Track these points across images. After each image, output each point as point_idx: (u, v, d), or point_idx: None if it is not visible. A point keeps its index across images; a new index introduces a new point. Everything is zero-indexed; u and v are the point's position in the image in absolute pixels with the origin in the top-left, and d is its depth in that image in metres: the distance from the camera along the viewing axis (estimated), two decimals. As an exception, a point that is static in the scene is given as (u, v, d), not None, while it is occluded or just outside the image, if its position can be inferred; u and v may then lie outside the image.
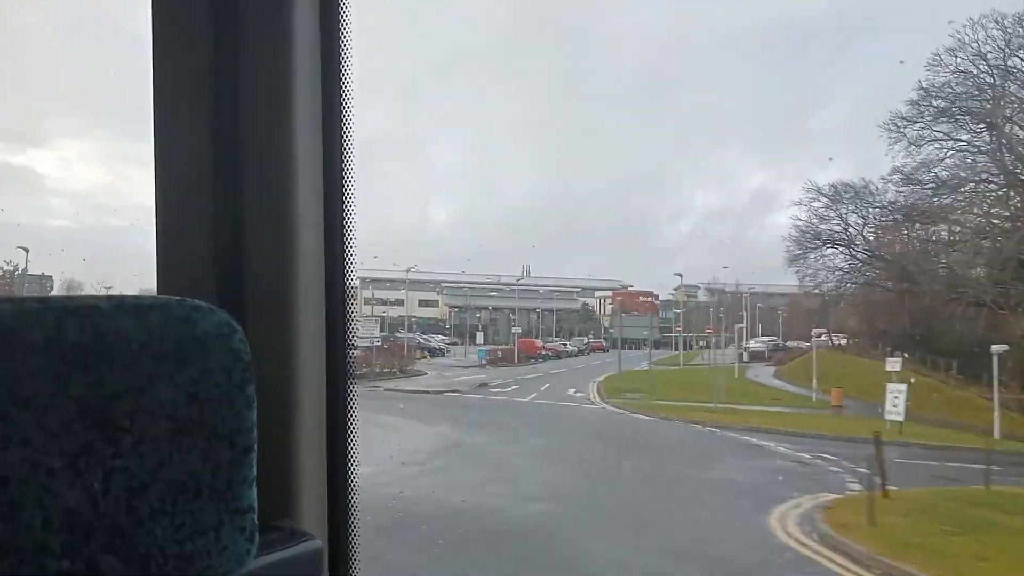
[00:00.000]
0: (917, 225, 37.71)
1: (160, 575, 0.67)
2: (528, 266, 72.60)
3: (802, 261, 39.86)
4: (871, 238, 38.98)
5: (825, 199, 39.19)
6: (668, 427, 23.94)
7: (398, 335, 45.38)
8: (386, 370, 34.60)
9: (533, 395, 30.96)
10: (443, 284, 64.09)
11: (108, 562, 0.65)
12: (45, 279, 27.25)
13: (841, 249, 39.70)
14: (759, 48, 71.77)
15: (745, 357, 46.61)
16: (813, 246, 39.60)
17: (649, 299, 71.95)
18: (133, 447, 0.66)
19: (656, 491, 15.20)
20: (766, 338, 54.04)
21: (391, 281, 51.82)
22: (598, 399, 30.65)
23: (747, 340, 56.24)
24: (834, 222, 39.52)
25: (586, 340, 57.60)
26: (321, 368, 1.24)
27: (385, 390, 30.49)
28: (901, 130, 35.38)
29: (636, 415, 25.95)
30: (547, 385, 34.42)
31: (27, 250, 27.57)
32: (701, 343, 56.89)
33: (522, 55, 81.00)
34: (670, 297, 73.41)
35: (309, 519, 1.19)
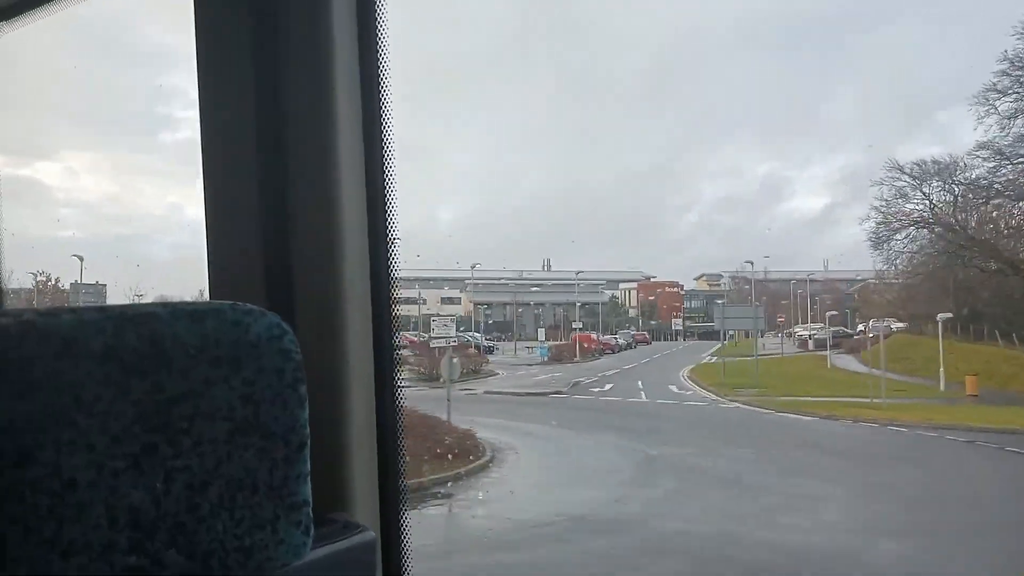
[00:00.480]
0: (1013, 203, 35.37)
1: (221, 569, 0.70)
2: (549, 260, 70.02)
3: (886, 244, 37.36)
4: (961, 217, 36.54)
5: (907, 178, 36.77)
6: (865, 431, 20.63)
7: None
8: (462, 370, 31.41)
9: (642, 394, 28.06)
10: (466, 280, 60.73)
11: (172, 557, 0.67)
12: (100, 287, 26.41)
13: (926, 230, 37.35)
14: (766, 39, 72.07)
15: (810, 345, 44.23)
16: (899, 225, 37.15)
17: (675, 289, 70.19)
18: (192, 447, 0.68)
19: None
20: (816, 325, 51.53)
21: (418, 280, 48.67)
22: (712, 395, 27.88)
23: (792, 328, 54.60)
24: (916, 201, 37.16)
25: (631, 333, 54.76)
26: (369, 365, 1.27)
27: (485, 392, 27.47)
28: (992, 103, 33.06)
29: (790, 415, 23.18)
30: (639, 381, 31.63)
31: (81, 258, 26.34)
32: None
33: (533, 55, 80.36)
34: (692, 286, 71.97)
35: (362, 511, 1.23)
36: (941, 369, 29.40)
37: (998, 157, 33.99)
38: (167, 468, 0.67)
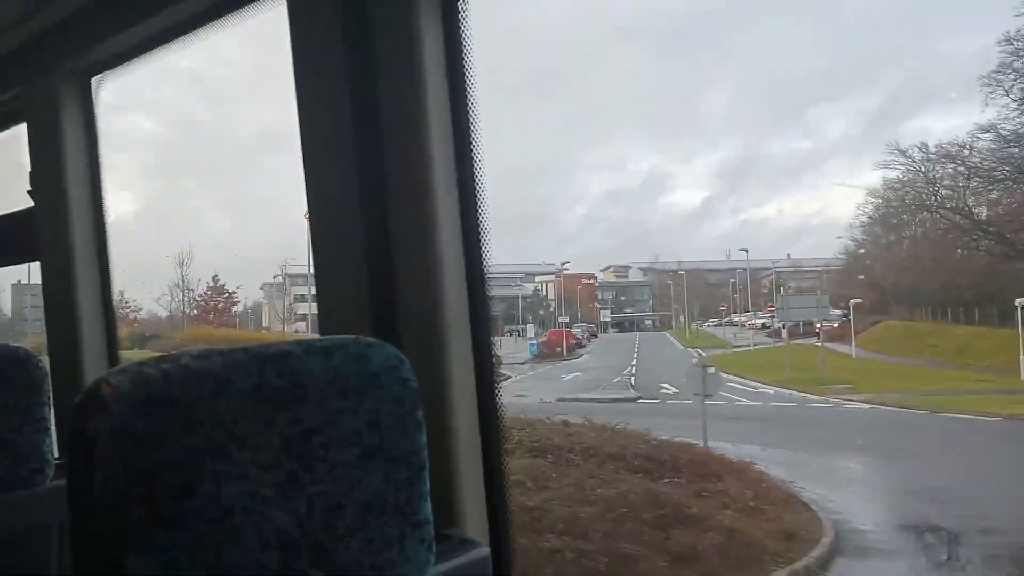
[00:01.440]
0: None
1: None
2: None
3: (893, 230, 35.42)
4: (971, 202, 35.15)
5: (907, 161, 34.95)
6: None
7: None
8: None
9: (723, 397, 23.40)
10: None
11: (315, 575, 0.74)
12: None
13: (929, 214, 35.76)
14: (648, 36, 72.47)
15: (784, 335, 41.87)
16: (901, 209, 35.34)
17: (591, 281, 66.91)
18: (328, 473, 0.76)
19: None
20: (764, 315, 49.57)
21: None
22: (800, 392, 23.96)
23: (732, 316, 52.77)
24: (918, 186, 35.49)
25: (585, 327, 50.61)
26: (471, 384, 1.33)
27: (558, 400, 21.62)
28: (1003, 85, 31.63)
29: (972, 417, 19.06)
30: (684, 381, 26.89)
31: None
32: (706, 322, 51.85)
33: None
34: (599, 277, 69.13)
35: (473, 527, 1.28)
36: (1022, 356, 27.09)
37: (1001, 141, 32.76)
38: (308, 493, 0.74)
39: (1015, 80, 30.44)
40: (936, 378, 25.05)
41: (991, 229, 34.24)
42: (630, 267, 69.61)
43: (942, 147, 33.41)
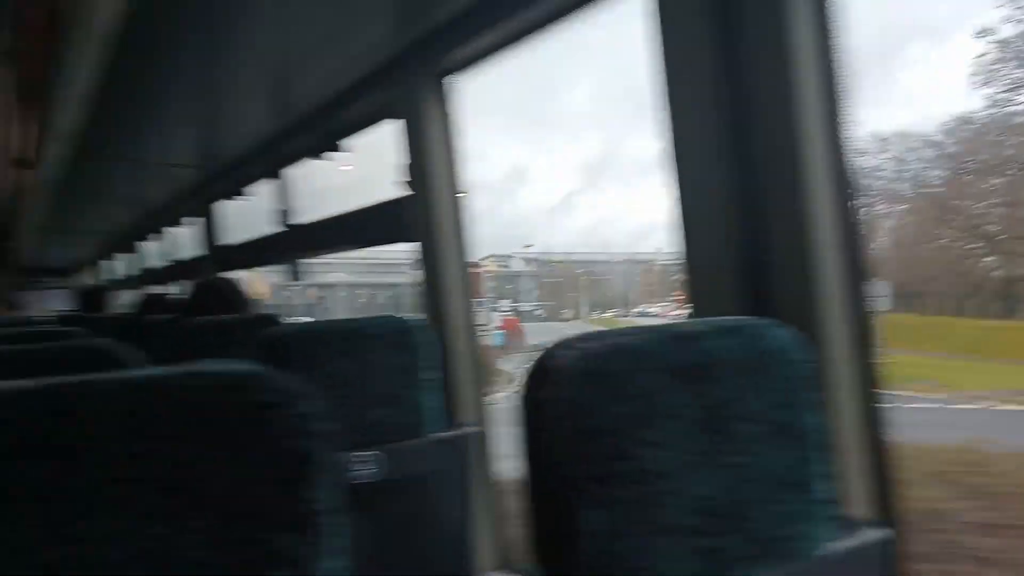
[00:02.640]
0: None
1: (773, 553, 0.81)
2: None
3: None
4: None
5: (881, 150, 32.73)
6: None
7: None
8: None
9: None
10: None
11: (732, 540, 0.79)
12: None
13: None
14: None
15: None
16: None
17: (478, 271, 61.26)
18: (737, 447, 0.79)
19: None
20: (673, 304, 46.30)
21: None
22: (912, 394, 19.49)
23: (641, 307, 49.33)
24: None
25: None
26: (851, 363, 1.28)
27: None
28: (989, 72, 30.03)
29: None
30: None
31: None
32: (604, 312, 47.84)
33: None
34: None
35: (869, 509, 1.26)
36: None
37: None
38: (720, 464, 0.78)
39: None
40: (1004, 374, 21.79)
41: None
42: (511, 256, 65.75)
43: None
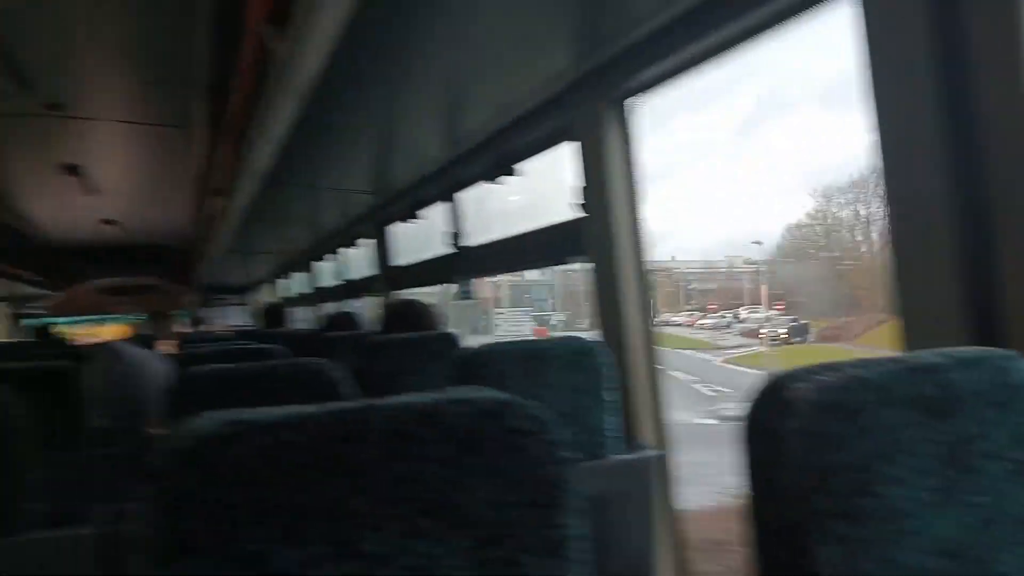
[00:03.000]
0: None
1: None
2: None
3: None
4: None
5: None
6: None
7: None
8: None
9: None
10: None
11: None
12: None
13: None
14: None
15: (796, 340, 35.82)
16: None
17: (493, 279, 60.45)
18: (982, 485, 0.75)
19: None
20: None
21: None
22: None
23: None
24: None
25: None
26: None
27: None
28: None
29: None
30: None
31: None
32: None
33: None
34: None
35: None
36: None
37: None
38: (967, 503, 0.74)
39: None
40: None
41: None
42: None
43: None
